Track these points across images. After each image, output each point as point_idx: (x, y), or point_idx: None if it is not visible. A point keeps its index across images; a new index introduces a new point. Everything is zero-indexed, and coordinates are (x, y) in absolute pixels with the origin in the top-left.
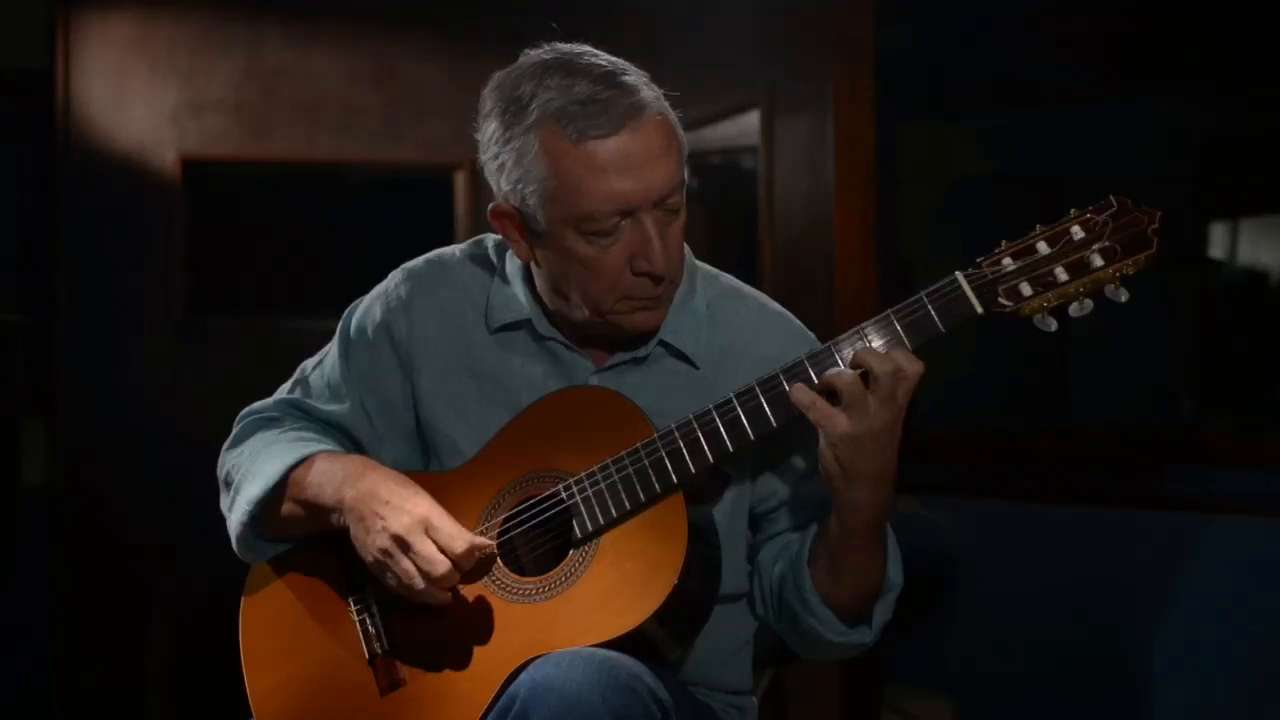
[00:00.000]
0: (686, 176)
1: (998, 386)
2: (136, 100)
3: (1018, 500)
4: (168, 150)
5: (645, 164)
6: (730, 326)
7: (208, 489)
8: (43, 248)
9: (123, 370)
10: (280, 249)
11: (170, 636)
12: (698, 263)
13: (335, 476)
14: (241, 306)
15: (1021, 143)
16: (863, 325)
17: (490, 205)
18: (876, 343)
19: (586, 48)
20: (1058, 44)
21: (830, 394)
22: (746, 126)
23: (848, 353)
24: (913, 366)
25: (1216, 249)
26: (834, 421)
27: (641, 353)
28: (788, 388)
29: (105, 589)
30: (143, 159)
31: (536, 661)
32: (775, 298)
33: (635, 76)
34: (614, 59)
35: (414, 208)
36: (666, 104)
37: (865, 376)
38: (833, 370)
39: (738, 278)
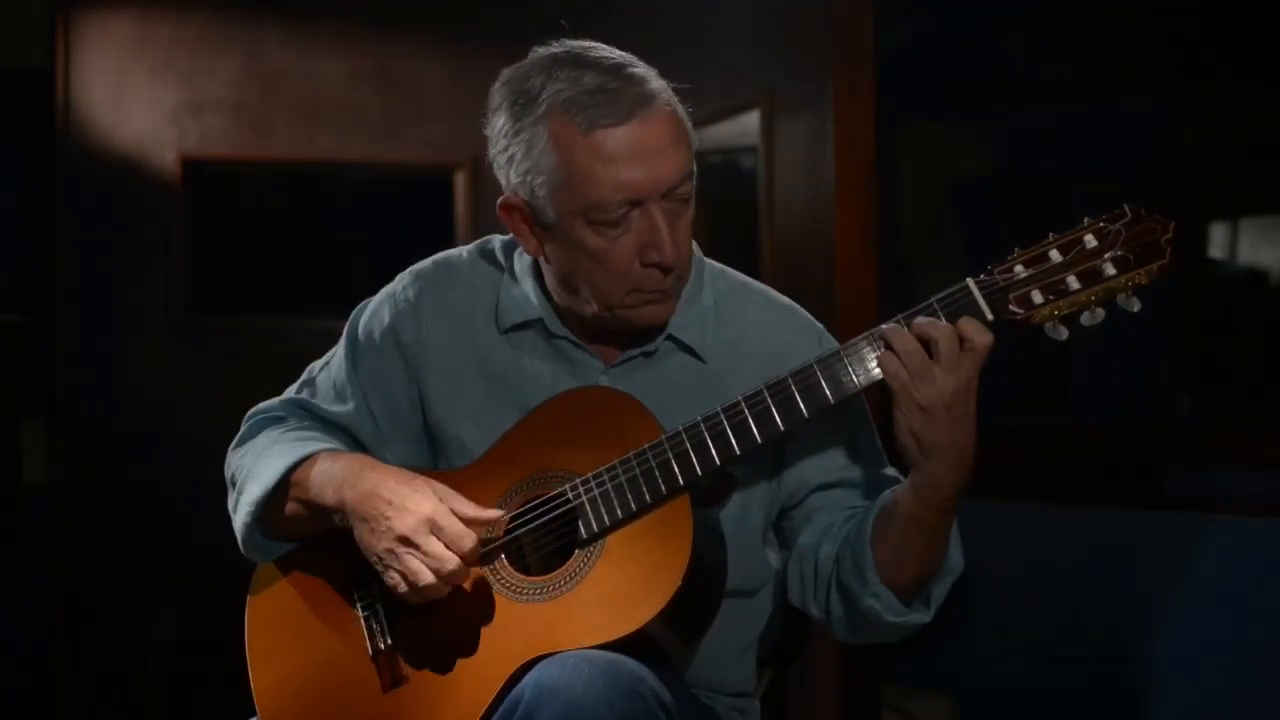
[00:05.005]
0: (695, 169)
1: (998, 386)
2: (136, 100)
3: (1018, 500)
4: (168, 150)
5: (654, 154)
6: (738, 321)
7: (208, 489)
8: (43, 248)
9: (123, 370)
10: (280, 249)
11: (170, 636)
12: (705, 259)
13: (335, 477)
14: (241, 306)
15: (1021, 143)
16: (877, 329)
17: (499, 199)
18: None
19: (594, 43)
20: (1057, 44)
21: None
22: (746, 126)
23: (865, 351)
24: (981, 337)
25: (1216, 249)
26: (909, 391)
27: (650, 347)
28: (796, 392)
29: (105, 589)
30: (143, 159)
31: (541, 663)
32: None
33: (643, 69)
34: (622, 53)
35: (414, 208)
36: (674, 96)
37: (927, 348)
38: (894, 330)
39: None
